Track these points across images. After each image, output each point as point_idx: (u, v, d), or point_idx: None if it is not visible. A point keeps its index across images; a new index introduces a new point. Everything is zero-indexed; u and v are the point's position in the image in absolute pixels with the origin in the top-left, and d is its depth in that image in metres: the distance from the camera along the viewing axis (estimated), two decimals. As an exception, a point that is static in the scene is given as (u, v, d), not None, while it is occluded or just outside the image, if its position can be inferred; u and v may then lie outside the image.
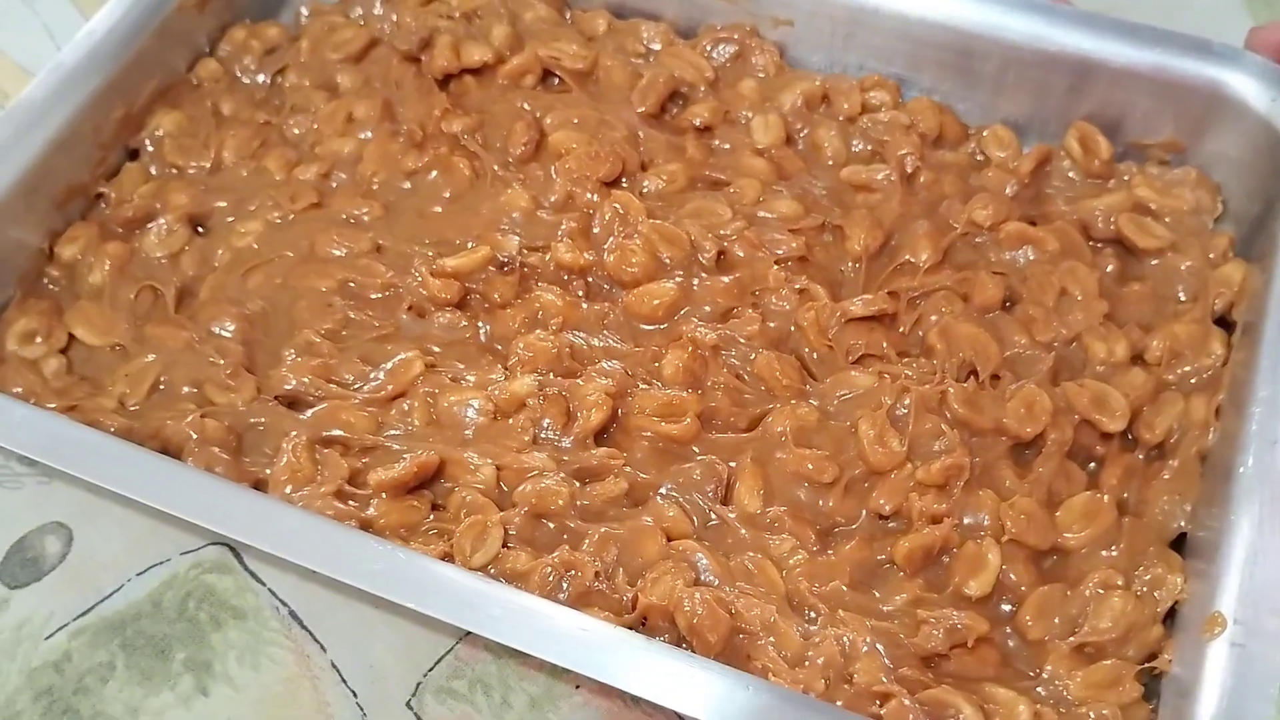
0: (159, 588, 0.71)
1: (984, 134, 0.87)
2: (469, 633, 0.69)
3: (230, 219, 0.83)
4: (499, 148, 0.86)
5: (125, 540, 0.73)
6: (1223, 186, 0.83)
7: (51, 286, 0.81)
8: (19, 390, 0.74)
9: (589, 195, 0.82)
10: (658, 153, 0.85)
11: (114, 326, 0.78)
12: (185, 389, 0.75)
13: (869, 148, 0.86)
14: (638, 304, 0.77)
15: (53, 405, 0.73)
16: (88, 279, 0.80)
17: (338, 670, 0.68)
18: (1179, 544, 0.69)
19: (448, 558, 0.66)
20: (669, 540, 0.68)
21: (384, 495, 0.69)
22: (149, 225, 0.82)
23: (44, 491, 0.75)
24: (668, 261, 0.78)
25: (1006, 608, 0.68)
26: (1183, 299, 0.79)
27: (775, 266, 0.78)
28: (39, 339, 0.77)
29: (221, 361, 0.75)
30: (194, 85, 0.90)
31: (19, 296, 0.79)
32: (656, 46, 0.92)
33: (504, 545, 0.67)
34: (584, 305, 0.77)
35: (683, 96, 0.89)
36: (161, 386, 0.75)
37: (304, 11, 0.95)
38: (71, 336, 0.78)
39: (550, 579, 0.65)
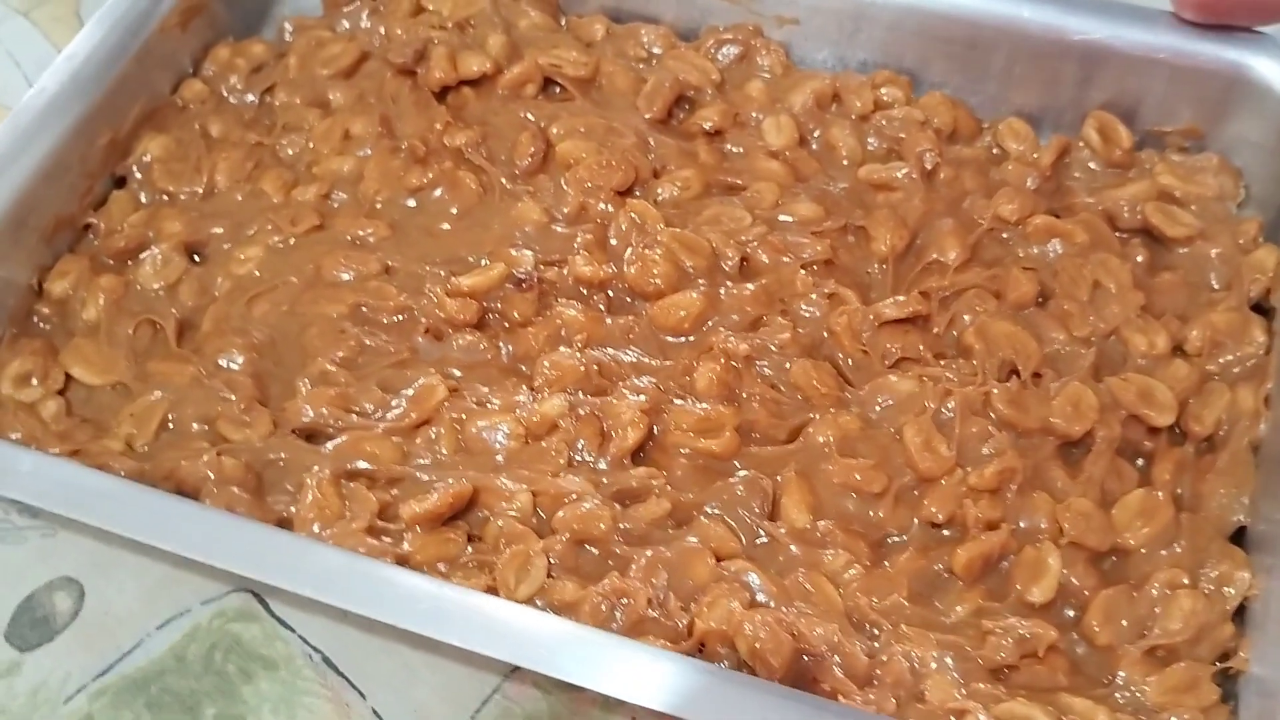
0: (181, 641, 0.67)
1: (999, 127, 0.85)
2: (515, 669, 0.66)
3: (228, 245, 0.79)
4: (504, 160, 0.83)
5: (141, 592, 0.69)
6: (1244, 171, 0.82)
7: (43, 325, 0.77)
8: (18, 436, 0.70)
9: (602, 205, 0.79)
10: (669, 159, 0.82)
11: (113, 364, 0.74)
12: (195, 426, 0.71)
13: (885, 146, 0.84)
14: (663, 316, 0.74)
15: (55, 450, 0.69)
16: (81, 315, 0.76)
17: (380, 717, 0.64)
18: (1237, 538, 0.68)
19: (491, 591, 0.62)
20: (718, 561, 0.65)
21: (418, 529, 0.65)
22: (142, 255, 0.78)
23: (49, 545, 0.71)
24: (691, 271, 0.76)
25: (1070, 613, 0.66)
26: (1216, 287, 0.77)
27: (802, 271, 0.76)
28: (35, 380, 0.72)
29: (233, 396, 0.71)
30: (180, 107, 0.86)
31: (9, 337, 0.74)
32: (658, 50, 0.89)
33: (548, 575, 0.64)
34: (608, 320, 0.74)
35: (688, 101, 0.87)
36: (170, 425, 0.71)
37: (288, 27, 0.92)
38: (69, 377, 0.74)
39: (603, 609, 0.62)
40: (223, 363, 0.73)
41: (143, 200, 0.82)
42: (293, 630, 0.67)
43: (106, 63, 0.81)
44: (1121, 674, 0.63)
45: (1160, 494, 0.68)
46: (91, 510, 0.62)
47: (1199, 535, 0.67)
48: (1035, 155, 0.83)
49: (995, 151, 0.85)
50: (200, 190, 0.82)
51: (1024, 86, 0.86)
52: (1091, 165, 0.83)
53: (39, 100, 0.77)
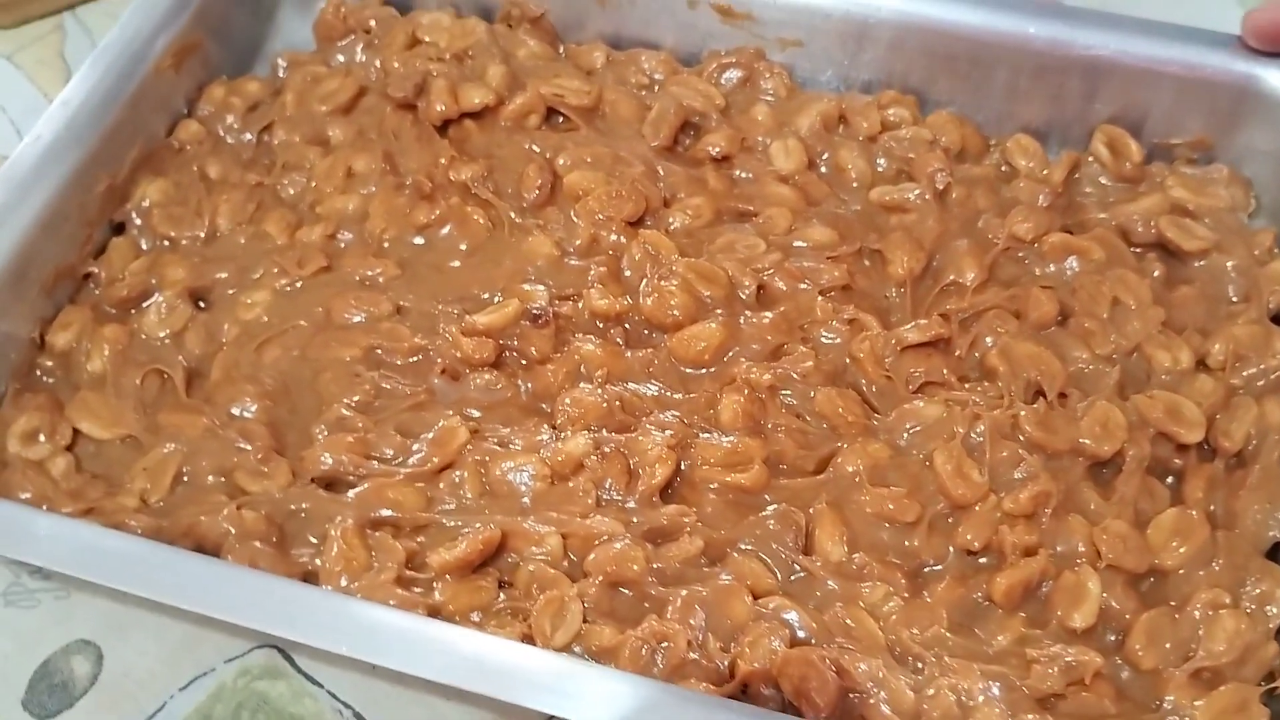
0: (206, 701, 0.65)
1: (1007, 144, 0.84)
2: (551, 718, 0.64)
3: (233, 290, 0.78)
4: (511, 194, 0.81)
5: (161, 653, 0.67)
6: (1254, 181, 0.81)
7: (46, 379, 0.74)
8: (28, 496, 0.67)
9: (614, 237, 0.78)
10: (679, 187, 0.81)
11: (121, 417, 0.72)
12: (211, 479, 0.69)
13: (894, 167, 0.83)
14: (683, 348, 0.73)
15: (68, 510, 0.66)
16: (86, 367, 0.74)
17: (416, 772, 0.63)
18: (1274, 554, 0.67)
19: (527, 639, 0.61)
20: (755, 598, 0.64)
21: (448, 577, 0.64)
22: (146, 304, 0.76)
23: (63, 607, 0.69)
24: (709, 301, 0.74)
25: (1111, 638, 0.65)
26: (1235, 300, 0.77)
27: (820, 298, 0.75)
28: (42, 437, 0.70)
29: (249, 446, 0.69)
30: (176, 149, 0.84)
31: (12, 393, 0.72)
32: (659, 76, 0.88)
33: (583, 620, 0.62)
34: (627, 354, 0.73)
35: (693, 127, 0.86)
36: (185, 479, 0.69)
37: (281, 63, 0.90)
38: (76, 432, 0.71)
39: (643, 653, 0.60)
40: (235, 412, 0.71)
41: (143, 246, 0.80)
42: (321, 686, 0.66)
43: (101, 108, 0.79)
44: (1169, 698, 0.62)
45: (1194, 512, 0.67)
46: (112, 573, 0.60)
47: (1236, 553, 0.66)
48: (1045, 172, 0.83)
49: (1004, 169, 0.84)
50: (202, 234, 0.80)
51: (1029, 102, 0.85)
52: (1102, 180, 0.83)
53: (34, 149, 0.75)
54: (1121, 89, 0.83)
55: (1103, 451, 0.69)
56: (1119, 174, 0.82)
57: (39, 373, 0.75)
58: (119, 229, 0.81)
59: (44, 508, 0.66)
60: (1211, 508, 0.69)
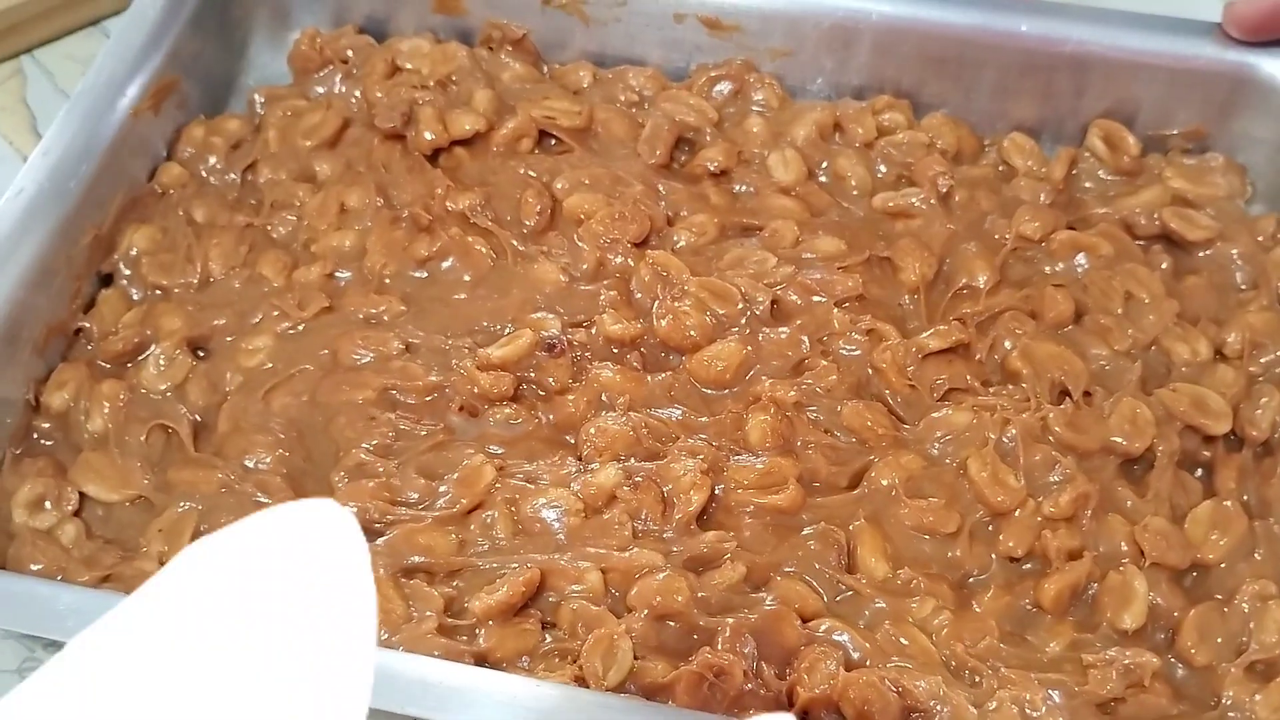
0: (246, 767, 0.62)
1: (1003, 143, 0.84)
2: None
3: (232, 337, 0.75)
4: (510, 221, 0.79)
5: (192, 719, 0.64)
6: (1250, 169, 0.82)
7: (45, 442, 0.71)
8: (39, 568, 0.64)
9: (620, 259, 0.76)
10: (680, 204, 0.80)
11: (129, 477, 0.68)
12: (231, 536, 0.66)
13: (894, 172, 0.83)
14: (702, 369, 0.71)
15: (84, 579, 0.64)
16: (86, 427, 0.71)
17: (475, 828, 0.61)
18: (1310, 540, 0.67)
19: (580, 681, 0.59)
20: (804, 621, 0.62)
21: (491, 623, 0.62)
22: (143, 356, 0.73)
23: (84, 679, 0.65)
24: (724, 319, 0.73)
25: (1160, 636, 0.64)
26: (1243, 287, 0.77)
27: (836, 309, 0.74)
28: (48, 504, 0.67)
29: (268, 499, 0.66)
30: (159, 194, 0.81)
31: (11, 459, 0.69)
32: (649, 93, 0.87)
33: (634, 656, 0.61)
34: (648, 378, 0.71)
35: (688, 142, 0.84)
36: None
37: (258, 99, 0.87)
38: (83, 496, 0.68)
39: (700, 687, 0.59)
40: (249, 464, 0.69)
41: (134, 297, 0.77)
42: (363, 744, 0.63)
43: (82, 156, 0.75)
44: (1229, 693, 0.61)
45: (1230, 504, 0.67)
46: (144, 644, 0.57)
47: (1275, 542, 0.66)
48: (1044, 169, 0.82)
49: (1001, 169, 0.84)
50: (195, 281, 0.77)
51: (1020, 100, 0.85)
52: (1100, 174, 0.83)
53: (18, 204, 0.72)
54: (1112, 83, 0.83)
55: (1134, 448, 0.68)
56: (1117, 168, 0.82)
57: (37, 436, 0.71)
58: (107, 280, 0.78)
59: (58, 578, 0.64)
60: (1245, 498, 0.69)
